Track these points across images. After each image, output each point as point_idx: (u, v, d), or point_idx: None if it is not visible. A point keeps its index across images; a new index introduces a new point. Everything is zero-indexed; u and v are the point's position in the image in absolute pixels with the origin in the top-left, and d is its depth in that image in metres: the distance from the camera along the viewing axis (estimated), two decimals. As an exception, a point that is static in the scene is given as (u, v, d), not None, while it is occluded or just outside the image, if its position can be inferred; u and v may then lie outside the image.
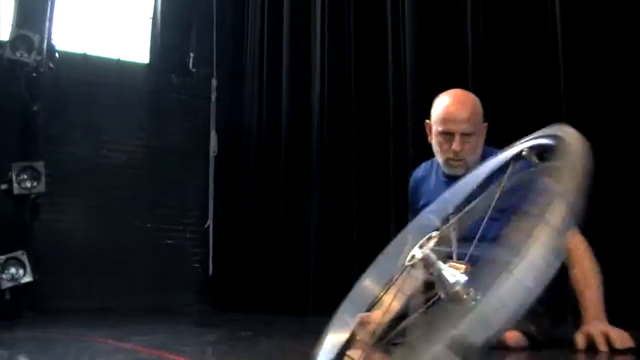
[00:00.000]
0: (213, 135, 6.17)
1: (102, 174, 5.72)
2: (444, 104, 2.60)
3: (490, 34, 3.65)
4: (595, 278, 2.31)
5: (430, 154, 2.78)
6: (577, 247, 2.35)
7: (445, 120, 2.56)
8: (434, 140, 2.65)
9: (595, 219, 2.74)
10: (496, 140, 2.55)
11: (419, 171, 2.87)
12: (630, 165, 2.97)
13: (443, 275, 1.23)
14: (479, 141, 2.61)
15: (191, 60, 6.12)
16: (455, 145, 2.54)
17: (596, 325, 2.21)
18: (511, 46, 3.55)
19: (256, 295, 5.36)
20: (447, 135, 2.57)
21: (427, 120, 2.69)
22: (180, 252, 6.10)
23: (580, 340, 2.20)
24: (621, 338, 2.13)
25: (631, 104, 2.99)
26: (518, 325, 2.24)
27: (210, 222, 6.14)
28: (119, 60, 6.01)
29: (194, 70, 6.16)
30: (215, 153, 6.17)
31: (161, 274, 5.90)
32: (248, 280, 5.63)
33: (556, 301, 2.50)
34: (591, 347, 2.16)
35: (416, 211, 2.54)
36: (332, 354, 1.54)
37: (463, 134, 2.55)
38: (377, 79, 4.44)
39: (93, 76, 5.71)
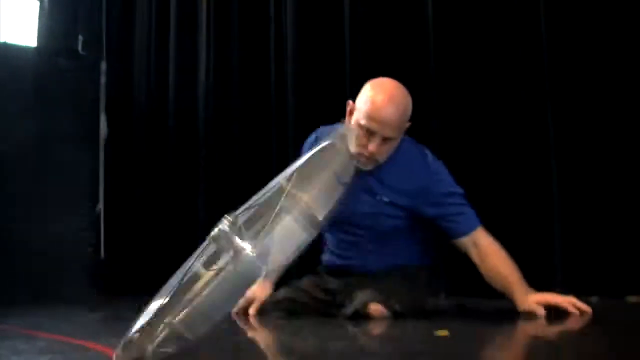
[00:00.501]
0: (103, 119, 6.14)
1: (-13, 159, 5.63)
2: (374, 98, 2.46)
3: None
4: (513, 264, 2.54)
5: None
6: (487, 241, 2.55)
7: (370, 117, 2.44)
8: (352, 126, 2.53)
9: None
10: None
11: (319, 139, 2.72)
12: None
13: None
14: (397, 142, 2.56)
15: (80, 43, 6.06)
16: (372, 147, 2.47)
17: (545, 294, 2.44)
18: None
19: (149, 278, 5.39)
20: (367, 131, 2.46)
21: (350, 101, 2.58)
22: (71, 237, 6.05)
23: (537, 309, 2.39)
24: (583, 304, 2.37)
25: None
26: (381, 299, 2.47)
27: (101, 205, 6.12)
28: (4, 43, 5.88)
29: (83, 53, 6.09)
30: (106, 137, 6.14)
31: (52, 261, 5.86)
32: (141, 263, 5.67)
33: (418, 280, 2.72)
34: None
35: None
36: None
37: (384, 137, 2.47)
38: (259, 59, 4.59)
39: (-23, 60, 5.59)
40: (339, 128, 2.55)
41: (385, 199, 2.57)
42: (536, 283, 3.00)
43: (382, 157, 2.54)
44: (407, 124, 2.55)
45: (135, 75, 5.91)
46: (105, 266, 6.07)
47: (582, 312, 2.30)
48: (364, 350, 1.91)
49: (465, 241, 2.56)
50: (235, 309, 2.63)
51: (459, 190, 2.60)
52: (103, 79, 6.17)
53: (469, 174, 3.28)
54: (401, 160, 2.58)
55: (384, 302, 2.54)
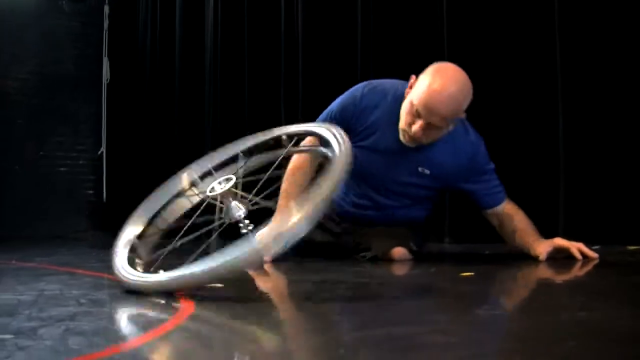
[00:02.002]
0: (105, 62, 6.17)
1: (-9, 101, 5.68)
2: (431, 85, 2.38)
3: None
4: (530, 221, 2.63)
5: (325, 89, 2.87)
6: (513, 207, 2.66)
7: (423, 103, 2.38)
8: (406, 101, 2.48)
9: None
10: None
11: (366, 98, 2.65)
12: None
13: (231, 208, 1.90)
14: (445, 131, 2.50)
15: (83, -14, 6.06)
16: (416, 129, 2.43)
17: (555, 240, 2.53)
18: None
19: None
20: (417, 113, 2.41)
21: (413, 76, 2.50)
22: (74, 180, 6.13)
23: (541, 253, 2.49)
24: (590, 250, 2.45)
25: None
26: (400, 242, 2.60)
27: (103, 149, 6.19)
28: (8, -15, 5.89)
29: (86, -4, 6.10)
30: (108, 80, 6.17)
31: (55, 202, 5.96)
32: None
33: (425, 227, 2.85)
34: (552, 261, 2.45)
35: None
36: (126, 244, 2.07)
37: (430, 123, 2.42)
38: (271, 9, 4.54)
39: (-21, 1, 5.60)
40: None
41: (427, 172, 2.61)
42: (540, 231, 3.15)
43: (426, 140, 2.51)
44: (462, 115, 2.50)
45: (140, 19, 5.92)
46: (107, 208, 6.16)
47: (587, 258, 2.42)
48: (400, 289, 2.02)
49: (490, 213, 2.67)
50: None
51: (492, 166, 2.67)
52: (106, 23, 6.18)
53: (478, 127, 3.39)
54: (446, 137, 2.56)
55: (405, 245, 2.66)
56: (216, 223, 1.99)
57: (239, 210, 1.90)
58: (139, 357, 1.13)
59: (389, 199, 2.72)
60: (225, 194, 1.92)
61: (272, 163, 2.17)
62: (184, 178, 2.27)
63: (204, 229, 2.03)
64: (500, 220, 2.66)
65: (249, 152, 2.27)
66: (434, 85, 2.37)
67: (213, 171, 2.22)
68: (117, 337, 1.30)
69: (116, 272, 1.89)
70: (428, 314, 1.52)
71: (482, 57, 3.37)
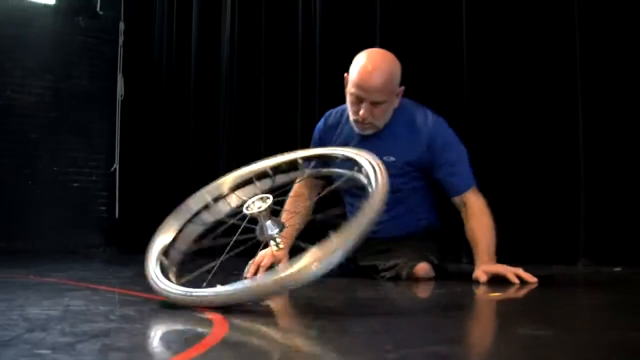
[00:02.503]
0: (120, 78, 6.18)
1: (6, 115, 5.69)
2: (360, 67, 2.57)
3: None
4: (491, 231, 2.56)
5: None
6: (475, 203, 2.60)
7: (357, 85, 2.55)
8: (347, 97, 2.66)
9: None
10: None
11: (331, 118, 2.88)
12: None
13: (265, 227, 1.93)
14: (391, 106, 2.64)
15: (99, 3, 6.08)
16: (363, 113, 2.58)
17: (496, 265, 2.45)
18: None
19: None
20: (358, 98, 2.58)
21: (345, 74, 2.67)
22: (87, 195, 6.14)
23: (481, 276, 2.41)
24: (529, 274, 2.37)
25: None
26: (421, 256, 2.55)
27: (116, 165, 6.20)
28: (24, 0, 5.90)
29: (101, 13, 6.12)
30: (122, 96, 6.19)
31: (67, 217, 5.95)
32: (154, 222, 5.72)
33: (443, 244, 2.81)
34: (492, 281, 2.39)
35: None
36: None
37: (373, 102, 2.57)
38: (287, 23, 4.54)
39: (-3, 16, 5.62)
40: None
41: (392, 159, 2.61)
42: (561, 253, 3.11)
43: (379, 122, 2.64)
44: (399, 89, 2.63)
45: (155, 36, 5.93)
46: (119, 225, 6.15)
47: (524, 282, 2.37)
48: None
49: (457, 200, 2.63)
50: (246, 272, 2.66)
51: (460, 147, 2.65)
52: (121, 39, 6.20)
53: (498, 143, 3.36)
54: (401, 120, 2.66)
55: (426, 259, 2.62)
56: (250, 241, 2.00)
57: (273, 229, 1.93)
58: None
59: None
60: (260, 212, 1.93)
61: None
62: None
63: (237, 247, 2.03)
64: (465, 214, 2.62)
65: (276, 171, 2.30)
66: (362, 67, 2.56)
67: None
68: (160, 352, 1.27)
69: (159, 284, 1.87)
70: (468, 333, 1.49)
71: (501, 66, 3.35)
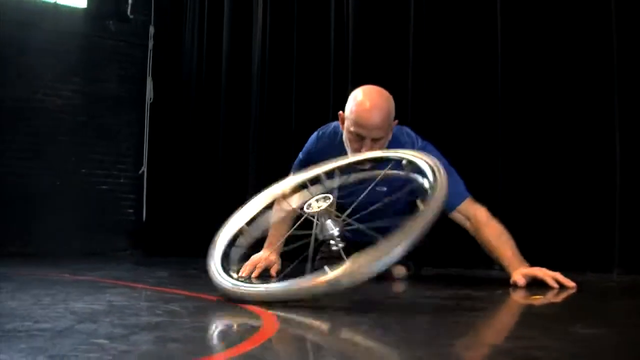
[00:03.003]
0: (149, 81, 6.21)
1: (37, 118, 5.73)
2: (358, 106, 2.60)
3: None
4: (508, 234, 2.54)
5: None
6: (479, 213, 2.60)
7: (357, 124, 2.59)
8: (345, 134, 2.68)
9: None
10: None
11: (324, 139, 2.91)
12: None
13: (325, 225, 1.98)
14: (387, 139, 2.68)
15: (129, 7, 6.11)
16: (365, 150, 2.59)
17: (534, 268, 2.42)
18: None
19: (189, 242, 5.47)
20: (358, 136, 2.61)
21: (340, 112, 2.71)
22: (114, 198, 6.17)
23: (520, 280, 2.37)
24: (567, 279, 2.34)
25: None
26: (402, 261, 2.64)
27: (144, 168, 6.22)
28: (55, 3, 5.95)
29: (131, 17, 6.15)
30: (152, 100, 6.22)
31: (95, 220, 5.98)
32: (181, 226, 5.75)
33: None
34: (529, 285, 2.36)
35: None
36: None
37: (373, 139, 2.60)
38: (319, 30, 4.52)
39: (29, 19, 5.66)
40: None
41: (384, 188, 2.64)
42: (596, 261, 3.07)
43: None
44: (394, 122, 2.69)
45: (185, 40, 5.95)
46: (146, 228, 6.17)
47: (563, 286, 2.34)
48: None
49: (457, 216, 2.63)
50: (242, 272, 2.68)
51: (449, 167, 2.62)
52: (151, 43, 6.24)
53: (533, 147, 3.34)
54: (390, 147, 2.66)
55: (403, 263, 2.77)
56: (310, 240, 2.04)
57: (333, 228, 1.98)
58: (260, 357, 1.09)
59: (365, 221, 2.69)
60: (321, 212, 1.98)
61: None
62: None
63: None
64: (472, 227, 2.62)
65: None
66: (361, 105, 2.60)
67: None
68: (216, 344, 1.26)
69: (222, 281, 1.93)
70: (521, 330, 1.47)
71: (535, 68, 3.33)
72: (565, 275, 2.35)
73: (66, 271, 3.30)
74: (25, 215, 5.57)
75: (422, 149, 2.65)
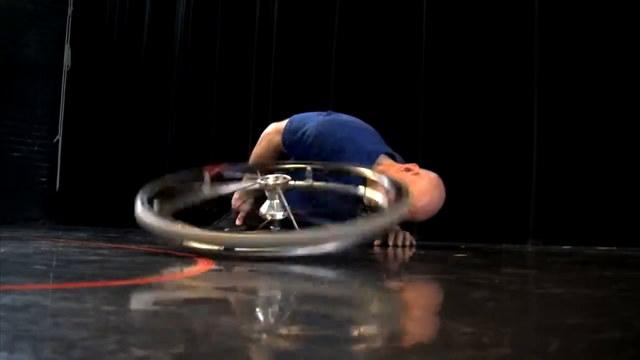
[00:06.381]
0: (67, 48, 6.09)
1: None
2: (431, 200, 2.51)
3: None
4: None
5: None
6: None
7: (424, 215, 2.53)
8: (398, 172, 2.48)
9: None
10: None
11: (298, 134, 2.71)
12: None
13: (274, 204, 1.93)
14: None
15: (48, -30, 5.98)
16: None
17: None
18: None
19: (102, 212, 5.40)
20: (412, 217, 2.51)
21: (416, 166, 2.56)
22: (28, 166, 6.03)
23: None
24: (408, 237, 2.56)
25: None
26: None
27: (59, 136, 6.10)
28: (-30, -37, 5.77)
29: (50, -20, 6.02)
30: (69, 67, 6.10)
31: (6, 187, 5.84)
32: (95, 196, 5.67)
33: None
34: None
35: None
36: None
37: None
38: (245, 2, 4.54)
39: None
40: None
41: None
42: (511, 233, 3.19)
43: None
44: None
45: (107, 7, 5.85)
46: (59, 198, 6.07)
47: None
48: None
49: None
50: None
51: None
52: (70, 9, 6.11)
53: (452, 122, 3.44)
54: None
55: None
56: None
57: (277, 210, 1.91)
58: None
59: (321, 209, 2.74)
60: (273, 189, 1.92)
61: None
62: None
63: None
64: None
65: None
66: (433, 201, 2.50)
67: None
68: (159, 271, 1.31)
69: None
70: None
71: (459, 63, 3.43)
72: (483, 246, 2.47)
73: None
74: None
75: (327, 121, 2.64)
